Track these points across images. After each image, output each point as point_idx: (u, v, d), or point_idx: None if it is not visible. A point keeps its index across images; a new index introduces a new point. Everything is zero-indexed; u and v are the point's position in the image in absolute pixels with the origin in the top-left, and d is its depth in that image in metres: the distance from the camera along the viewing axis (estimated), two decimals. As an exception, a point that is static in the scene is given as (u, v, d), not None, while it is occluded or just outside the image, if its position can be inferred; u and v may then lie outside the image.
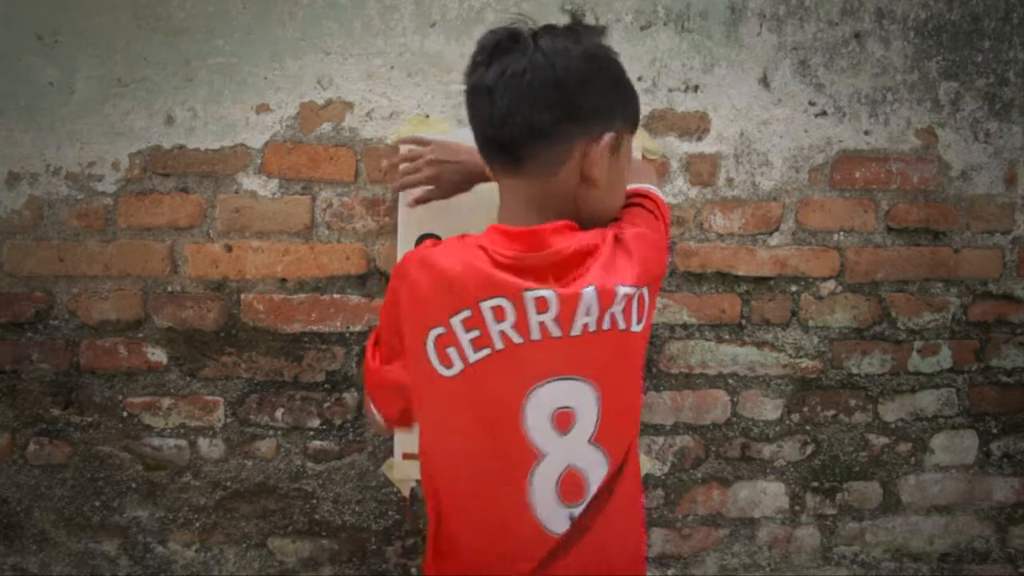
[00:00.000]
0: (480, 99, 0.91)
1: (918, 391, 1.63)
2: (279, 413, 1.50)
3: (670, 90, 1.53)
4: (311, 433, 1.51)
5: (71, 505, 1.49)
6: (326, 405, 1.51)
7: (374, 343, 1.02)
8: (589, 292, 0.87)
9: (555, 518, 0.91)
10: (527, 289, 0.87)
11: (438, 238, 1.43)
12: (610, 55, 0.94)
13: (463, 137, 1.09)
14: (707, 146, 1.54)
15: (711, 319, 1.57)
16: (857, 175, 1.59)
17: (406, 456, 1.47)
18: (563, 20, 1.54)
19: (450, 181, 1.28)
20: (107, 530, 1.49)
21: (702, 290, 1.56)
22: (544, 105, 0.88)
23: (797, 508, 1.61)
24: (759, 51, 1.54)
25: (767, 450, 1.60)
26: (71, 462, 1.48)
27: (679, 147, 1.54)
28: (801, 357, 1.60)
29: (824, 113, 1.57)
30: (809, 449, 1.61)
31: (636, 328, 0.92)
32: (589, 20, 1.50)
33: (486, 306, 0.87)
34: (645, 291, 0.93)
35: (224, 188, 1.47)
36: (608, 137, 0.91)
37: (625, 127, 0.95)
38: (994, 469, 1.67)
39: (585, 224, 0.92)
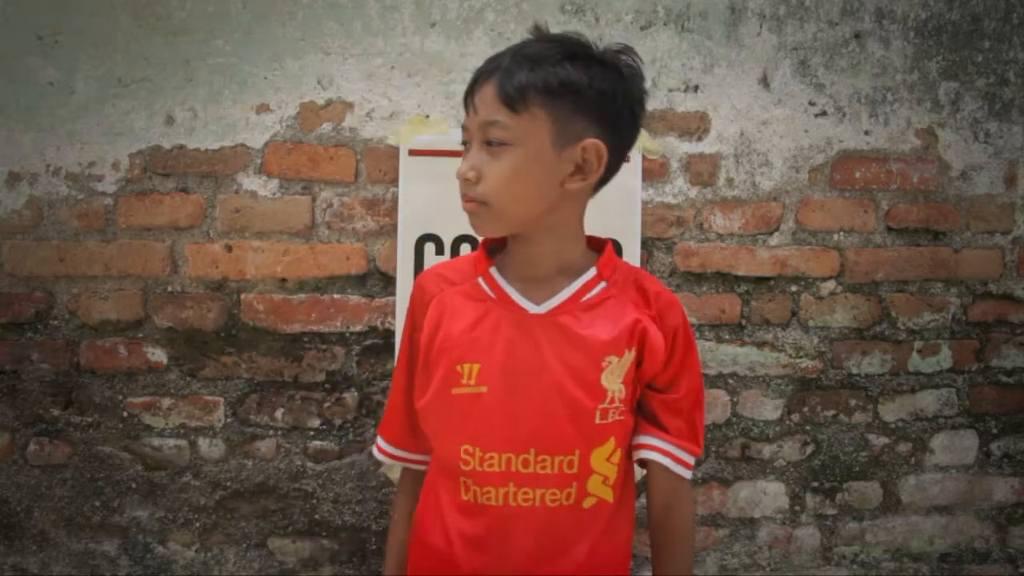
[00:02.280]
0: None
1: (918, 391, 1.63)
2: (279, 413, 1.50)
3: (670, 90, 1.53)
4: (311, 433, 1.51)
5: (71, 505, 1.49)
6: (326, 405, 1.51)
7: None
8: None
9: None
10: None
11: (439, 239, 1.43)
12: None
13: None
14: (707, 146, 1.54)
15: (711, 319, 1.57)
16: (857, 175, 1.58)
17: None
18: (563, 20, 1.54)
19: None
20: (107, 530, 1.49)
21: (702, 290, 1.56)
22: None
23: (797, 508, 1.61)
24: (759, 51, 1.54)
25: (767, 450, 1.60)
26: (71, 462, 1.48)
27: (679, 147, 1.54)
28: (801, 357, 1.60)
29: (824, 113, 1.57)
30: (809, 449, 1.61)
31: None
32: (589, 20, 1.50)
33: None
34: None
35: (224, 188, 1.47)
36: None
37: None
38: (994, 469, 1.67)
39: None
